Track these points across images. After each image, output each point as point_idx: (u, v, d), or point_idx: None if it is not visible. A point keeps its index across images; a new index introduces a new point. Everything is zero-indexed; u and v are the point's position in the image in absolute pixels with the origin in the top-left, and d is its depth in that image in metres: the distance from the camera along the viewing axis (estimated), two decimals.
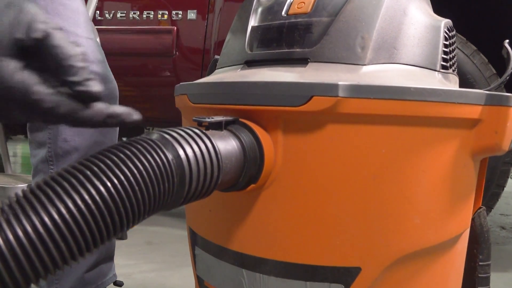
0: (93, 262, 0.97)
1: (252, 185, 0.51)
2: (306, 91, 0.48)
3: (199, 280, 0.65)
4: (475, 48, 1.52)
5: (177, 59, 2.05)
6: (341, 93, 0.47)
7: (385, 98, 0.48)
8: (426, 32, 0.58)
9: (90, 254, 0.35)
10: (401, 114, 0.49)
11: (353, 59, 0.54)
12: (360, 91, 0.48)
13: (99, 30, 1.69)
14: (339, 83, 0.47)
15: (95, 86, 0.37)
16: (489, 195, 1.56)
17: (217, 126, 0.48)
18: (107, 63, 0.94)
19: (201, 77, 2.00)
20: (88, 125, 0.38)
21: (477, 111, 0.52)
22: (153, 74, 2.15)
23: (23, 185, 1.34)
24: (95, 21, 1.91)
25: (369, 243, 0.50)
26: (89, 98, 0.37)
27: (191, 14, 2.04)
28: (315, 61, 0.55)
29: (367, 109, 0.48)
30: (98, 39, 1.51)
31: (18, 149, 5.36)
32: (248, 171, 0.49)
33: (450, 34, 0.61)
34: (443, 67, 0.58)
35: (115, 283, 1.06)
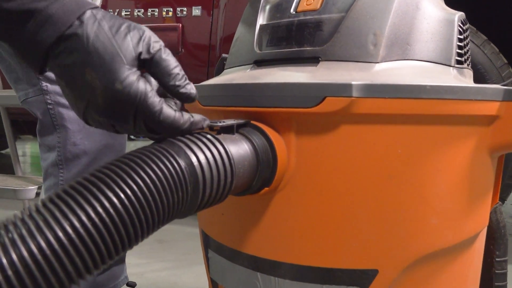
0: None
1: (266, 189, 0.50)
2: (319, 92, 0.47)
3: (213, 283, 0.64)
4: (485, 38, 1.49)
5: (183, 56, 2.04)
6: (355, 93, 0.46)
7: (400, 97, 0.47)
8: (439, 27, 0.56)
9: (105, 266, 0.35)
10: (417, 113, 0.47)
11: (366, 57, 0.52)
12: (375, 91, 0.46)
13: None
14: (353, 83, 0.46)
15: (193, 89, 0.44)
16: (502, 187, 1.54)
17: (229, 130, 0.48)
18: None
19: (208, 73, 1.99)
20: (177, 132, 0.43)
21: (494, 108, 0.51)
22: None
23: (34, 187, 1.35)
24: None
25: (386, 245, 0.49)
26: (189, 98, 0.44)
27: (196, 11, 2.03)
28: (326, 60, 0.54)
29: (382, 108, 0.47)
30: None
31: (27, 149, 5.40)
32: (262, 174, 0.48)
33: (464, 28, 0.59)
34: (458, 62, 0.57)
35: (128, 284, 1.06)
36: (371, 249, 0.49)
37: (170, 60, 0.43)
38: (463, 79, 0.57)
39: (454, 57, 0.56)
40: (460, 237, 0.53)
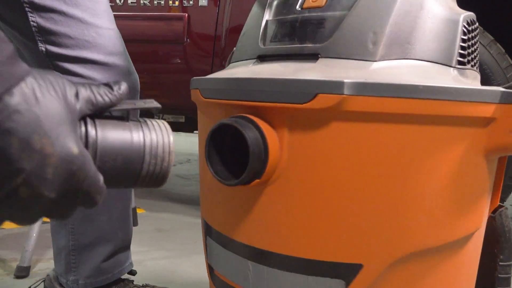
0: (110, 251, 0.98)
1: (257, 180, 0.51)
2: (311, 89, 0.47)
3: (210, 269, 0.66)
4: (492, 38, 1.48)
5: (188, 46, 2.04)
6: (346, 91, 0.46)
7: (392, 96, 0.47)
8: (443, 26, 0.55)
9: None
10: (408, 112, 0.48)
11: (364, 55, 0.53)
12: (366, 89, 0.47)
13: None
14: (345, 80, 0.46)
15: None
16: (502, 188, 1.54)
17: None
18: (128, 54, 0.92)
19: (212, 64, 2.00)
20: None
21: (490, 110, 0.51)
22: (164, 61, 2.14)
23: None
24: None
25: (372, 240, 0.50)
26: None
27: (203, 1, 2.02)
28: (325, 57, 0.55)
29: (374, 107, 0.47)
30: None
31: None
32: (252, 166, 0.49)
33: (470, 28, 0.58)
34: (460, 62, 0.56)
35: (129, 272, 1.08)
36: (357, 243, 0.50)
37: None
38: (464, 80, 0.56)
39: (456, 57, 0.55)
40: (450, 238, 0.53)
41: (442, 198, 0.51)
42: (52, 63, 0.83)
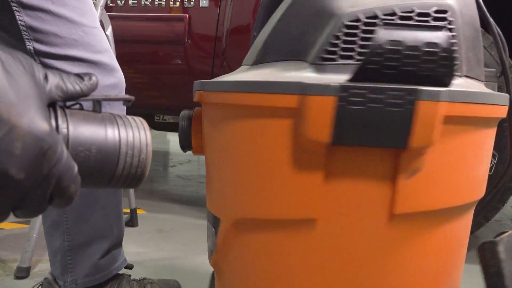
0: (106, 248, 0.99)
1: (191, 150, 0.74)
2: (196, 88, 0.68)
3: None
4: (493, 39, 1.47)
5: (189, 47, 2.04)
6: (199, 88, 0.66)
7: (220, 91, 0.61)
8: (314, 24, 0.57)
9: None
10: (227, 103, 0.60)
11: (248, 62, 0.67)
12: (207, 86, 0.64)
13: (110, 17, 1.68)
14: (201, 81, 0.66)
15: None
16: (503, 190, 1.53)
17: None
18: (113, 53, 0.94)
19: (213, 65, 2.00)
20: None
21: (289, 101, 0.53)
22: (165, 61, 2.14)
23: None
24: (106, 7, 1.90)
25: (220, 201, 0.66)
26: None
27: (204, 1, 2.02)
28: (243, 64, 0.69)
29: (212, 99, 0.64)
30: (110, 27, 1.50)
31: None
32: (182, 141, 0.72)
33: (359, 24, 0.55)
34: (323, 59, 0.56)
35: (126, 266, 1.09)
36: (217, 202, 0.68)
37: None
38: (320, 75, 0.55)
39: (316, 54, 0.56)
40: (272, 215, 0.58)
41: (261, 180, 0.58)
42: (40, 61, 0.84)
